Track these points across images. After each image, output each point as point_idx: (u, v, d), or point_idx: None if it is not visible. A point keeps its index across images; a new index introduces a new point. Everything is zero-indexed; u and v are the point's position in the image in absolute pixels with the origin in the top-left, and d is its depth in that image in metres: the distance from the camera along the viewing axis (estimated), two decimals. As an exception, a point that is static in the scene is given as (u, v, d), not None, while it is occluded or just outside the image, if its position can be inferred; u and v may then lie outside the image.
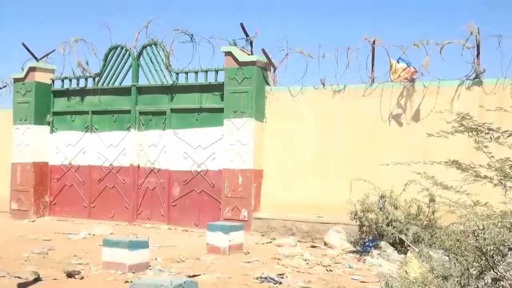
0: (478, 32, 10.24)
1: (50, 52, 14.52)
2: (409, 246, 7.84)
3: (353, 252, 9.55)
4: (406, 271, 5.04)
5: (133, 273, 7.51)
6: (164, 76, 13.04)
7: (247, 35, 12.06)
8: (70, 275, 7.34)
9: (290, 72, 12.87)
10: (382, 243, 9.02)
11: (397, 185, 9.17)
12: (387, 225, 9.12)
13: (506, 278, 3.95)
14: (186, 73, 12.77)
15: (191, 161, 12.63)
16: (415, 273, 4.80)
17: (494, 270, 4.04)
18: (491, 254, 4.00)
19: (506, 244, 3.98)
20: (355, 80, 11.28)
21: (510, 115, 5.24)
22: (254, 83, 11.78)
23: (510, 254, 4.05)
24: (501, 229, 3.96)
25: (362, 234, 9.71)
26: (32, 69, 14.33)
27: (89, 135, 14.05)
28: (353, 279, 7.56)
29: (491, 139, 4.44)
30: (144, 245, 7.94)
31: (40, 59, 14.51)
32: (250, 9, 29.91)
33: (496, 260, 4.02)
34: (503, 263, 4.02)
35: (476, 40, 10.30)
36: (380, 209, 9.25)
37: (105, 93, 13.89)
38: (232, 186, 11.81)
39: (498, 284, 3.99)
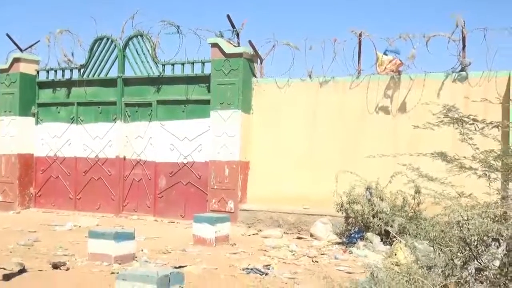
0: (464, 25, 10.31)
1: (35, 43, 14.40)
2: (395, 237, 7.90)
3: (339, 243, 9.60)
4: (396, 262, 5.08)
5: (119, 264, 7.50)
6: (151, 67, 12.98)
7: (233, 26, 12.02)
8: (55, 266, 7.32)
9: (277, 64, 12.90)
10: (369, 234, 9.08)
11: (383, 176, 9.22)
12: (373, 216, 9.18)
13: (490, 268, 4.00)
14: (173, 64, 12.73)
15: (178, 152, 12.61)
16: (401, 263, 4.84)
17: (478, 260, 4.09)
18: (475, 244, 4.04)
19: (489, 234, 4.02)
20: (342, 72, 11.32)
21: (494, 107, 5.30)
22: (241, 75, 11.77)
23: (494, 245, 4.10)
24: (485, 219, 4.00)
25: (348, 226, 9.75)
26: (16, 60, 14.19)
27: (74, 127, 13.96)
28: (339, 270, 7.60)
29: (476, 129, 4.48)
30: (130, 236, 7.93)
31: (25, 50, 14.37)
32: (237, 0, 29.80)
33: (480, 250, 4.07)
34: (487, 253, 4.07)
35: (462, 33, 10.36)
36: (369, 200, 9.30)
37: (91, 85, 13.81)
38: (219, 178, 11.81)
39: (482, 274, 4.04)
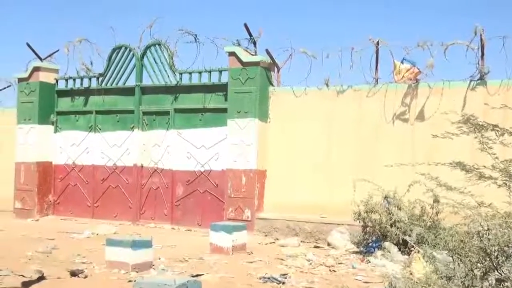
0: (483, 33, 10.23)
1: (54, 52, 14.56)
2: (413, 247, 7.84)
3: (356, 252, 9.54)
4: (411, 272, 5.04)
5: (137, 272, 7.52)
6: (168, 76, 13.05)
7: (250, 35, 12.05)
8: (73, 274, 7.35)
9: (294, 73, 12.87)
10: (386, 244, 9.01)
11: (401, 185, 9.16)
12: (391, 225, 9.10)
13: (511, 279, 3.95)
14: (190, 73, 12.78)
15: (195, 161, 12.64)
16: (419, 274, 4.80)
17: (498, 271, 4.04)
18: (495, 255, 4.00)
19: (510, 245, 3.98)
20: (359, 81, 11.29)
21: (514, 116, 5.24)
22: (258, 84, 11.79)
23: (515, 255, 4.05)
24: (505, 230, 3.95)
25: (366, 235, 9.70)
26: (36, 69, 14.36)
27: (92, 135, 14.07)
28: (356, 279, 7.55)
29: (496, 135, 4.44)
30: (147, 244, 7.94)
31: (44, 59, 14.54)
32: (254, 9, 29.93)
33: (500, 261, 4.02)
34: (508, 264, 4.02)
35: (481, 41, 10.28)
36: (386, 209, 9.22)
37: (109, 93, 13.91)
38: (236, 186, 11.82)
39: (502, 285, 3.99)
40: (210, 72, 12.53)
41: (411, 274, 5.16)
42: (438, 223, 8.88)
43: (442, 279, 4.25)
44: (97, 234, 11.30)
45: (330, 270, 8.15)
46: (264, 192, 11.89)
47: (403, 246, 8.95)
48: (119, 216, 13.47)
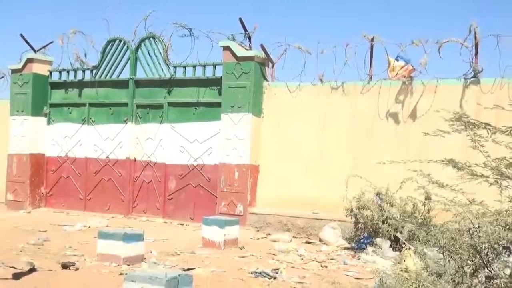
0: (477, 30, 10.24)
1: (48, 44, 14.48)
2: (404, 243, 7.87)
3: (348, 248, 9.57)
4: (406, 268, 5.06)
5: (128, 265, 7.53)
6: (162, 69, 13.03)
7: (245, 30, 12.02)
8: (65, 266, 7.36)
9: (288, 68, 12.84)
10: (378, 240, 9.05)
11: (394, 182, 9.18)
12: (383, 222, 9.14)
13: (500, 276, 3.97)
14: (184, 67, 12.75)
15: (188, 155, 12.63)
16: (410, 270, 4.82)
17: (488, 268, 4.06)
18: (485, 252, 4.02)
19: (500, 242, 4.00)
20: (353, 77, 11.30)
21: (507, 114, 5.26)
22: (252, 78, 11.77)
23: (505, 253, 4.07)
24: (496, 227, 3.97)
25: (357, 231, 9.74)
26: (29, 61, 14.28)
27: (86, 127, 14.03)
28: (348, 275, 7.58)
29: (488, 133, 4.45)
30: (139, 237, 7.95)
31: (38, 50, 14.46)
32: (249, 4, 29.87)
33: (490, 258, 4.04)
34: (498, 262, 4.05)
35: (475, 39, 10.30)
36: (378, 205, 9.25)
37: (103, 86, 13.86)
38: (228, 180, 11.82)
39: (492, 282, 4.02)
40: (204, 66, 12.50)
41: (401, 270, 5.18)
42: (429, 220, 8.91)
43: (433, 275, 4.28)
44: (89, 227, 11.30)
45: (321, 266, 8.19)
46: (257, 187, 11.89)
47: (395, 243, 8.99)
48: (111, 209, 13.45)
